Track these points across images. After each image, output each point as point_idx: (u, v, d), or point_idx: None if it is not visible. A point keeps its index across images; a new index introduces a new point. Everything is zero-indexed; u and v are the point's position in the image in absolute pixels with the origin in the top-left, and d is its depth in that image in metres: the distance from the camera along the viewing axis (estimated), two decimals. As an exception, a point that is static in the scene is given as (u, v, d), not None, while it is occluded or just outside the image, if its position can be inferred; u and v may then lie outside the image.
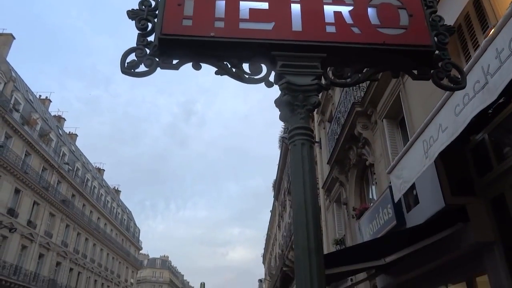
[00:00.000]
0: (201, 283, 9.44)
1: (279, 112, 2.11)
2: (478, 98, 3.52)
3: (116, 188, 60.01)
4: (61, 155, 38.34)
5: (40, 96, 40.15)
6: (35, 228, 32.79)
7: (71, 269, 39.60)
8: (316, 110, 16.23)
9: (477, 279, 5.69)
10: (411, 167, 4.57)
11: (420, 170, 4.31)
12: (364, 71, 2.23)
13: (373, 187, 10.48)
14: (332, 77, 2.23)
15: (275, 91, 2.15)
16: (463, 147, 5.29)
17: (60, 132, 40.96)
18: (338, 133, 11.20)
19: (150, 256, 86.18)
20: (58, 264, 37.03)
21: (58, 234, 36.84)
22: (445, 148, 4.11)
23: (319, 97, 2.06)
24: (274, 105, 2.10)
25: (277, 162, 33.23)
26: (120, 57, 2.12)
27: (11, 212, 29.47)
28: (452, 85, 2.24)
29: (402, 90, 7.93)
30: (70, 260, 39.16)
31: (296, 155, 1.90)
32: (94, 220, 45.77)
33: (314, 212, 1.76)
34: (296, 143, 1.93)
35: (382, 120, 9.09)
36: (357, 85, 10.28)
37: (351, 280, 9.91)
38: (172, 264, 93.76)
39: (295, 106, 2.00)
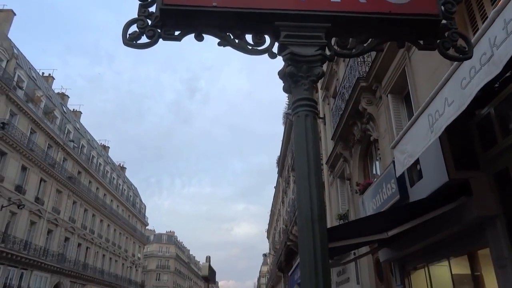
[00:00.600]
0: (206, 257, 9.67)
1: (283, 86, 2.09)
2: (484, 70, 3.47)
3: (121, 165, 60.55)
4: (66, 132, 38.53)
5: (43, 73, 40.04)
6: (43, 205, 33.34)
7: (79, 244, 40.45)
8: (320, 86, 16.10)
9: (478, 252, 5.76)
10: (415, 141, 4.55)
11: (425, 145, 4.30)
12: (369, 41, 2.18)
13: (377, 163, 10.50)
14: (337, 48, 2.19)
15: (279, 67, 2.13)
16: (468, 122, 5.25)
17: (64, 110, 41.04)
18: (343, 109, 11.14)
19: (156, 232, 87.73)
20: (66, 239, 37.82)
21: (65, 210, 37.46)
22: (450, 122, 4.09)
23: (323, 68, 2.02)
24: (278, 80, 2.08)
25: (281, 139, 33.26)
26: (122, 29, 2.09)
27: (19, 189, 29.91)
28: (458, 55, 2.21)
29: (408, 65, 7.82)
30: (78, 236, 39.95)
31: (300, 126, 1.89)
32: (100, 197, 46.40)
33: (317, 183, 1.76)
34: (299, 114, 1.92)
35: (387, 95, 9.01)
36: (362, 60, 10.16)
37: (354, 254, 10.07)
38: (178, 239, 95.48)
39: (299, 77, 1.97)
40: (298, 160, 1.83)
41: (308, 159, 1.79)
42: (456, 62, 3.95)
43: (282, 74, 2.04)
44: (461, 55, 2.21)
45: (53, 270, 34.32)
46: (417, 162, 5.67)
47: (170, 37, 2.11)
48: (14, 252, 28.35)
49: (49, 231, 34.75)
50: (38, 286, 32.59)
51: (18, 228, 29.63)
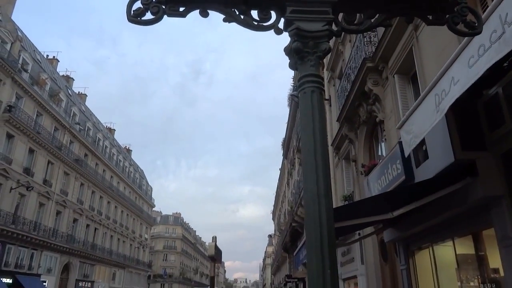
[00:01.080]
0: (213, 237, 9.78)
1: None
2: (494, 48, 3.40)
3: (127, 147, 60.90)
4: (71, 115, 38.70)
5: (47, 56, 39.95)
6: (51, 187, 33.77)
7: (87, 225, 41.12)
8: (326, 67, 15.93)
9: (483, 233, 5.78)
10: (421, 121, 4.52)
11: (431, 125, 4.27)
12: (376, 16, 2.15)
13: (383, 144, 10.47)
14: (344, 24, 2.16)
15: (285, 44, 2.10)
16: (476, 102, 5.20)
17: (70, 92, 41.11)
18: (348, 90, 11.05)
19: (163, 213, 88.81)
20: (75, 220, 38.43)
21: (73, 192, 37.95)
22: (457, 103, 4.04)
23: (330, 45, 1.99)
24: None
25: (286, 121, 33.19)
26: (126, 6, 2.07)
27: (27, 171, 30.27)
28: (467, 31, 2.16)
29: (415, 44, 7.70)
30: (86, 217, 40.57)
31: (306, 102, 1.87)
32: (107, 179, 46.88)
33: (323, 158, 1.76)
34: (305, 90, 1.90)
35: (394, 76, 8.91)
36: (369, 40, 10.01)
37: (359, 234, 10.15)
38: (184, 220, 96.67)
39: (305, 53, 1.95)
40: (304, 136, 1.82)
41: (314, 135, 1.78)
42: (464, 41, 3.88)
43: (288, 50, 2.02)
44: (470, 31, 2.16)
45: (63, 250, 35.02)
46: (423, 142, 5.65)
47: (174, 13, 2.08)
48: (24, 233, 28.91)
49: (58, 213, 35.30)
50: (49, 266, 33.33)
51: (28, 209, 30.13)
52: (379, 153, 10.86)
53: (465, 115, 5.14)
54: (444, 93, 3.95)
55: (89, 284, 41.42)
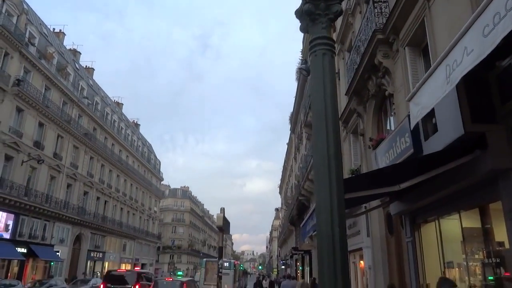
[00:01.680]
0: (221, 208, 10.00)
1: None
2: (510, 16, 3.29)
3: (135, 121, 61.18)
4: (79, 89, 38.78)
5: (53, 29, 39.68)
6: (61, 160, 34.28)
7: (98, 198, 41.92)
8: (335, 39, 15.62)
9: (490, 206, 5.79)
10: (431, 93, 4.45)
11: (441, 96, 4.20)
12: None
13: (391, 118, 10.39)
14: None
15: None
16: (488, 73, 5.09)
17: (77, 66, 41.04)
18: (358, 63, 10.89)
19: (171, 187, 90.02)
20: (85, 193, 39.17)
21: (83, 165, 38.51)
22: (469, 74, 3.96)
23: (341, 5, 1.94)
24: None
25: (294, 95, 32.94)
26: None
27: (38, 144, 30.67)
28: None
29: (427, 15, 7.50)
30: (96, 190, 41.30)
31: (317, 65, 1.85)
32: (116, 153, 47.38)
33: (333, 120, 1.76)
34: (317, 53, 1.87)
35: (404, 48, 8.73)
36: (380, 11, 9.76)
37: (365, 207, 10.24)
38: (192, 194, 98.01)
39: (317, 15, 1.91)
40: (315, 98, 1.81)
41: (325, 97, 1.77)
42: (479, 8, 3.76)
43: (299, 13, 1.97)
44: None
45: (74, 222, 35.89)
46: (432, 115, 5.59)
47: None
48: (37, 205, 29.60)
49: (69, 185, 35.96)
50: (61, 237, 34.26)
51: (39, 182, 30.72)
52: (388, 127, 10.80)
53: (476, 87, 5.05)
54: (455, 64, 3.87)
55: (101, 255, 42.62)
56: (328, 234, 1.65)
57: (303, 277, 27.91)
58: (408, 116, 6.48)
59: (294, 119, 36.25)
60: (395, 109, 9.52)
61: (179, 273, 25.62)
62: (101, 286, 20.61)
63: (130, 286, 19.31)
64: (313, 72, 1.82)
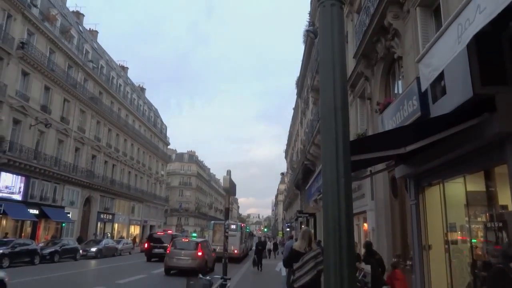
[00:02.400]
0: (227, 170, 10.09)
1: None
2: (525, -27, 3.15)
3: (141, 86, 60.90)
4: (84, 52, 38.41)
5: (56, -10, 38.76)
6: (68, 124, 34.54)
7: (106, 162, 42.52)
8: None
9: (495, 169, 5.79)
10: (442, 54, 4.34)
11: (451, 57, 4.10)
12: None
13: (399, 82, 10.24)
14: None
15: None
16: (500, 34, 4.95)
17: (81, 29, 40.44)
18: (367, 25, 10.60)
19: (178, 151, 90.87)
20: (93, 157, 39.71)
21: (90, 129, 38.81)
22: (481, 34, 3.84)
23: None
24: None
25: (301, 59, 32.41)
26: None
27: (45, 108, 30.82)
28: None
29: (441, -27, 7.21)
30: (104, 154, 41.83)
31: (325, 16, 1.82)
32: (122, 117, 47.54)
33: (341, 72, 1.74)
34: (325, 4, 1.83)
35: (415, 9, 8.45)
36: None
37: (370, 171, 10.30)
38: (198, 158, 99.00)
39: (324, -34, 1.84)
40: (323, 50, 1.78)
41: (333, 49, 1.74)
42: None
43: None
44: None
45: (83, 185, 36.63)
46: (441, 77, 5.49)
47: None
48: (46, 168, 30.14)
49: (77, 149, 36.42)
50: (71, 199, 35.11)
51: (47, 146, 31.12)
52: (396, 91, 10.67)
53: (487, 48, 4.92)
54: (468, 23, 3.75)
55: (110, 216, 43.79)
56: (333, 184, 1.67)
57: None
58: (417, 78, 6.37)
59: (300, 83, 35.86)
60: (403, 72, 9.37)
61: (193, 234, 27.89)
62: (146, 244, 27.61)
63: (166, 244, 23.50)
64: (321, 25, 1.78)
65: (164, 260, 19.04)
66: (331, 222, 1.74)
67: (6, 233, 25.59)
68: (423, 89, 5.25)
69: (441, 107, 5.76)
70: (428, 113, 6.23)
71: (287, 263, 6.43)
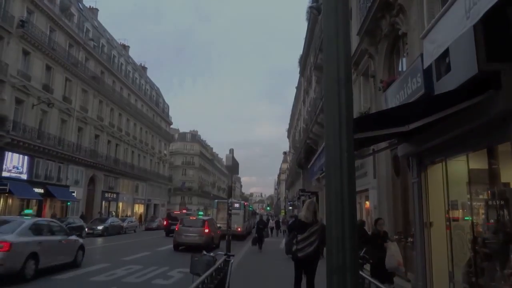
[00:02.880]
0: (230, 149, 10.20)
1: None
2: None
3: (142, 65, 60.45)
4: (84, 31, 38.00)
5: (54, -34, 38.02)
6: (71, 104, 34.51)
7: (109, 141, 42.67)
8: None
9: (499, 147, 5.78)
10: (448, 29, 4.27)
11: (458, 33, 4.04)
12: None
13: (404, 60, 10.12)
14: None
15: None
16: (507, 9, 4.85)
17: (81, 7, 39.89)
18: (371, 0, 10.41)
19: (180, 131, 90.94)
20: (96, 136, 39.83)
21: (92, 109, 38.79)
22: (487, 10, 3.77)
23: None
24: None
25: (304, 36, 31.97)
26: None
27: (47, 88, 30.73)
28: None
29: None
30: (107, 133, 41.93)
31: None
32: (125, 96, 47.41)
33: (345, 43, 1.72)
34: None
35: (421, -17, 8.27)
36: None
37: (373, 149, 10.31)
38: (201, 138, 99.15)
39: None
40: (327, 26, 1.76)
41: (337, 25, 1.72)
42: None
43: None
44: None
45: (87, 164, 36.88)
46: (446, 54, 5.42)
47: None
48: (50, 147, 30.30)
49: (80, 129, 36.50)
50: (76, 178, 35.42)
51: (51, 126, 31.20)
52: (400, 69, 10.56)
53: (493, 23, 4.83)
54: (475, -3, 3.67)
55: (114, 195, 44.26)
56: (336, 157, 1.68)
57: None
58: (421, 55, 6.30)
59: (303, 61, 35.50)
60: (408, 49, 9.24)
61: (200, 213, 29.61)
62: (165, 221, 32.15)
63: None
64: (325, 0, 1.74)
65: (173, 236, 20.09)
66: (334, 196, 1.76)
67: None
68: (426, 65, 5.20)
69: (445, 85, 5.71)
70: (432, 90, 6.18)
71: (290, 229, 6.90)
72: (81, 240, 13.75)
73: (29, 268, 9.98)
